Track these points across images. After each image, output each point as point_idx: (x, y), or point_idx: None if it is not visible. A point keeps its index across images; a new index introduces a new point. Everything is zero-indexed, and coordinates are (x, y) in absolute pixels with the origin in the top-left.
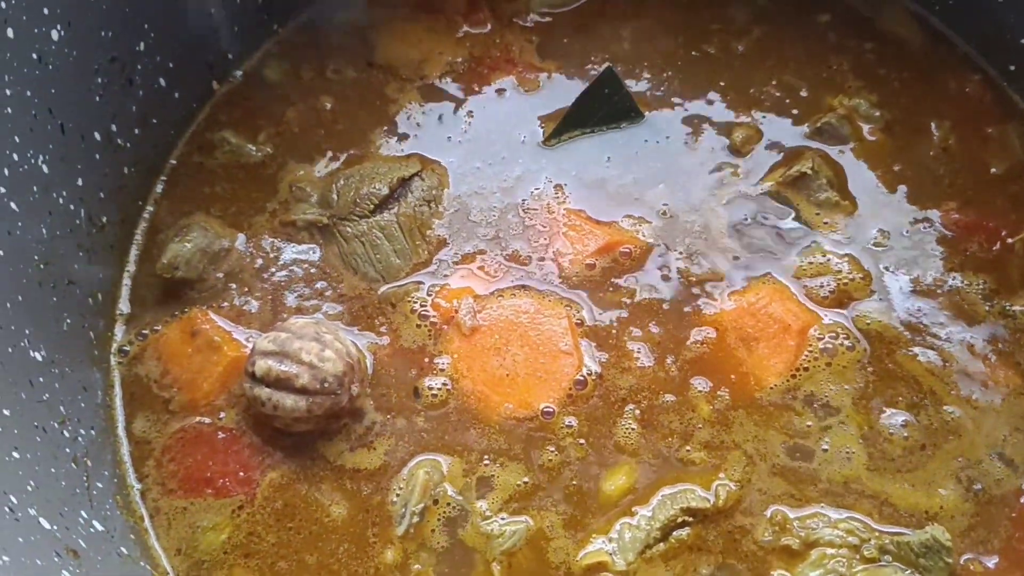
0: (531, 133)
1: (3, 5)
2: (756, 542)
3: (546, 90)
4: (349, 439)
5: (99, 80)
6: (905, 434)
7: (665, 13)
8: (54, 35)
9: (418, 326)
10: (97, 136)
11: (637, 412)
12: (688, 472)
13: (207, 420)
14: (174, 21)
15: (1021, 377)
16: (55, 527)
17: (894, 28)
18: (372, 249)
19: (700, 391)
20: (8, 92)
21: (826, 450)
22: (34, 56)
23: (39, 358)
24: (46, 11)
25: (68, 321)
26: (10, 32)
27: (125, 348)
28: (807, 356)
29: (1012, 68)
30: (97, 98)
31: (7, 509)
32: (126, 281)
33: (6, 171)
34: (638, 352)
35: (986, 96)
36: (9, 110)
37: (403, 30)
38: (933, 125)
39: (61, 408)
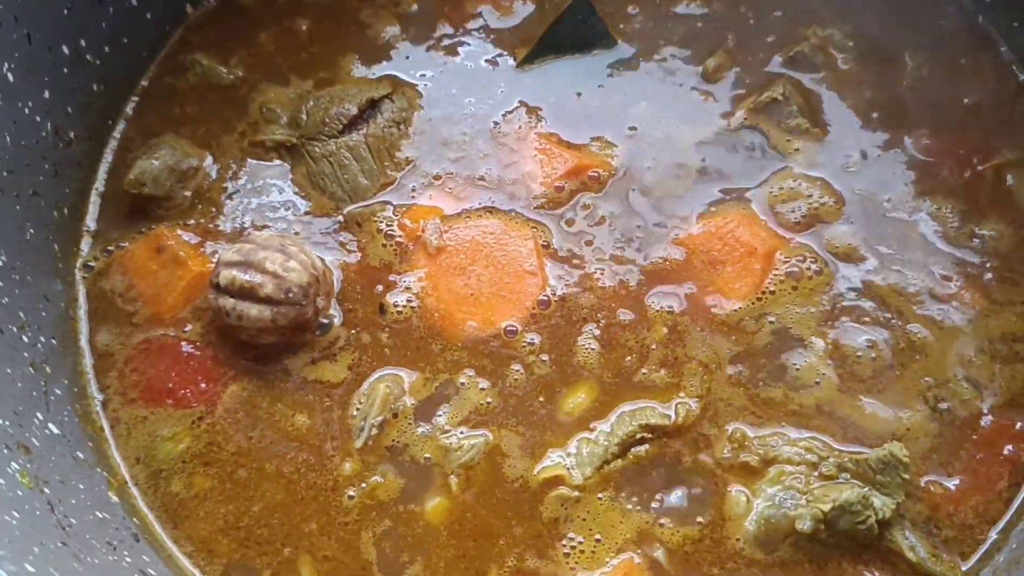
0: (504, 59)
1: None
2: (715, 459)
3: (521, 16)
4: (313, 352)
5: None
6: (873, 355)
7: None
8: None
9: (384, 245)
10: (65, 50)
11: (597, 332)
12: (648, 390)
13: (171, 332)
14: None
15: (987, 299)
16: (6, 422)
17: None
18: (340, 169)
19: (663, 312)
20: None
21: (798, 370)
22: None
23: None
24: None
25: (32, 231)
26: None
27: (90, 263)
28: (772, 279)
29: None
30: (65, 11)
31: None
32: (94, 198)
33: None
34: (601, 274)
35: (960, 26)
36: None
37: None
38: (907, 55)
39: (20, 314)
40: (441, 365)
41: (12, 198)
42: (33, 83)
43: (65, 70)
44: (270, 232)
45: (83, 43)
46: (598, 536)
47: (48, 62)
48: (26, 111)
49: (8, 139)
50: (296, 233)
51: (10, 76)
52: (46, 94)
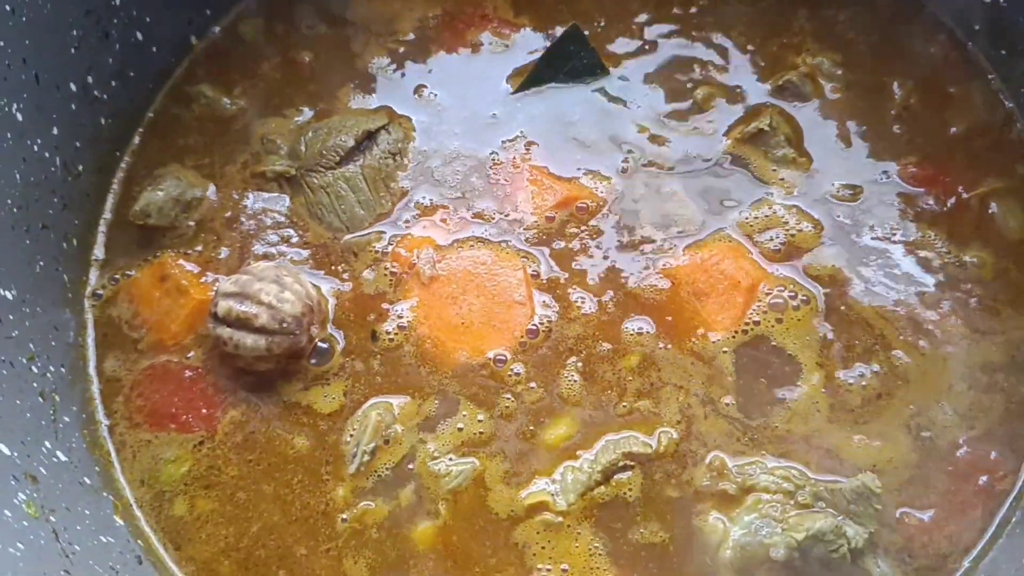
0: (501, 88)
1: None
2: (694, 487)
3: (519, 46)
4: (307, 379)
5: (74, 32)
6: (863, 383)
7: None
8: None
9: (380, 274)
10: (73, 87)
11: (581, 363)
12: (631, 420)
13: (175, 359)
14: None
15: (969, 328)
16: (15, 453)
17: None
18: (337, 200)
19: (647, 341)
20: None
21: (782, 400)
22: (7, 7)
23: (9, 297)
24: None
25: (41, 264)
26: None
27: (99, 292)
28: (755, 310)
29: (976, 27)
30: (73, 50)
31: None
32: (101, 227)
33: None
34: (584, 303)
35: (950, 55)
36: None
37: None
38: (895, 84)
39: (30, 345)
40: (431, 393)
41: (23, 233)
42: (42, 121)
43: (73, 106)
44: (266, 263)
45: (90, 79)
46: (565, 566)
47: (56, 100)
48: (35, 148)
49: (18, 176)
50: (293, 261)
51: (19, 116)
52: (55, 131)
